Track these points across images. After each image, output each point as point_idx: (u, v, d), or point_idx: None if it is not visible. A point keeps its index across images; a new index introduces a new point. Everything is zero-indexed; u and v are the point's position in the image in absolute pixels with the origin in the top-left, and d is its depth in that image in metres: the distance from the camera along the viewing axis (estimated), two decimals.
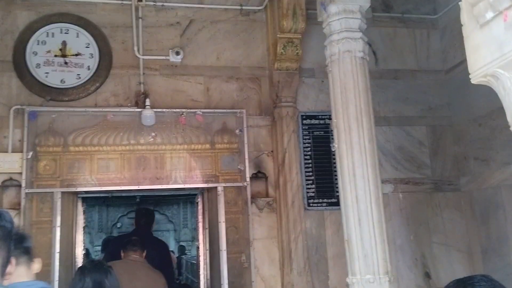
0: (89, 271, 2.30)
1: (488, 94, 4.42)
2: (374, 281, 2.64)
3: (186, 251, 11.88)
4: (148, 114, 4.18)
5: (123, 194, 11.35)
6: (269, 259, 4.26)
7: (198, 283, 5.02)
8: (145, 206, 12.68)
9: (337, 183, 4.44)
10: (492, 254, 4.23)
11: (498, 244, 4.16)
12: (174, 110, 4.30)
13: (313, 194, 4.43)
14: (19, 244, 1.67)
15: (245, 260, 4.16)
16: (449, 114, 4.85)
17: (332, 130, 4.63)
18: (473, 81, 1.67)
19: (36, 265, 1.74)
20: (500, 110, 4.21)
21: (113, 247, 4.40)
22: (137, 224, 4.81)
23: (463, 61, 4.78)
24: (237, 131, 4.42)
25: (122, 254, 3.83)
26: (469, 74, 1.68)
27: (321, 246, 4.35)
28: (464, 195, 4.65)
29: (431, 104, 4.89)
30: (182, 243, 12.59)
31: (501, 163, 4.14)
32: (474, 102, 4.51)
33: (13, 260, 1.07)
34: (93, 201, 11.50)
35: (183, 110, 4.31)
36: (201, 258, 4.71)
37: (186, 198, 12.19)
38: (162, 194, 10.82)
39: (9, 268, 1.04)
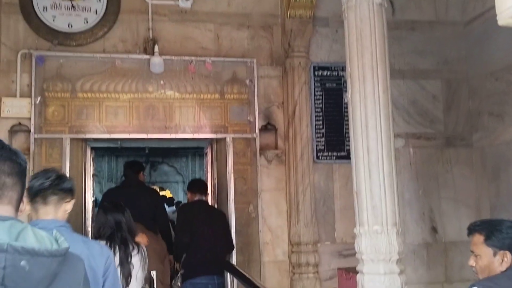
0: (110, 210, 2.55)
1: (507, 48, 4.30)
2: (382, 232, 2.63)
3: None
4: (156, 61, 4.09)
5: (132, 145, 11.43)
6: (277, 210, 4.29)
7: None
8: (154, 158, 12.80)
9: (347, 137, 4.39)
10: (501, 210, 4.21)
11: (507, 200, 4.13)
12: (183, 57, 4.21)
13: (322, 147, 4.39)
14: (54, 185, 1.72)
15: (252, 210, 4.19)
16: (465, 68, 4.70)
17: (345, 81, 4.54)
18: (500, 23, 1.57)
19: (68, 206, 1.77)
20: None
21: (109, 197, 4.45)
22: (125, 175, 4.72)
23: (483, 13, 4.61)
24: (247, 81, 4.33)
25: None
26: (488, 26, 1.57)
27: (328, 199, 4.36)
28: (476, 151, 4.58)
29: (448, 57, 4.73)
30: None
31: None
32: (492, 56, 4.36)
33: (25, 199, 1.10)
34: (103, 152, 11.59)
35: (193, 57, 4.22)
36: None
37: (194, 150, 12.23)
38: (171, 146, 10.86)
39: (21, 206, 1.07)
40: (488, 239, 1.69)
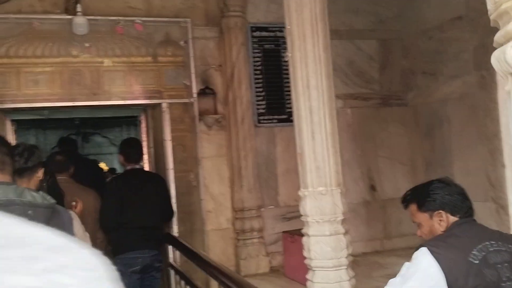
0: None
1: (439, 6, 4.37)
2: (326, 193, 2.60)
3: None
4: (80, 22, 3.72)
5: (61, 116, 10.72)
6: (219, 177, 4.18)
7: None
8: (85, 129, 12.13)
9: (288, 99, 4.32)
10: (435, 166, 4.38)
11: (441, 156, 4.29)
12: (110, 17, 3.86)
13: (263, 111, 4.29)
14: (26, 161, 1.98)
15: (193, 178, 4.04)
16: (398, 27, 4.74)
17: (284, 42, 4.40)
18: None
19: (39, 173, 2.00)
20: (451, 21, 4.12)
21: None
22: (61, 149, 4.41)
23: None
24: (181, 42, 4.08)
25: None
26: None
27: (271, 163, 4.31)
28: (409, 110, 4.70)
29: (382, 16, 4.74)
30: None
31: (449, 76, 4.16)
32: (425, 15, 4.41)
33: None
34: (28, 124, 10.79)
35: (120, 18, 3.88)
36: None
37: (128, 120, 11.71)
38: (102, 115, 10.31)
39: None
40: (421, 206, 1.69)
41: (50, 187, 2.51)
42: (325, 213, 2.61)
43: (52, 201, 1.50)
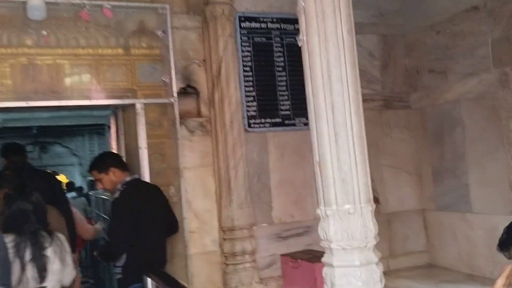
0: (14, 199, 2.27)
1: None
2: (355, 212, 2.05)
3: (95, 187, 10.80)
4: (35, 4, 3.05)
5: (17, 124, 9.78)
6: (203, 191, 3.55)
7: None
8: (44, 138, 11.18)
9: (281, 100, 3.78)
10: (446, 175, 3.91)
11: (453, 164, 3.83)
12: (73, 0, 3.20)
13: (254, 113, 3.71)
14: None
15: (174, 193, 3.40)
16: (402, 21, 4.29)
17: (276, 35, 3.88)
18: None
19: None
20: (465, 13, 3.58)
21: None
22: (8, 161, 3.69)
23: None
24: (159, 32, 3.47)
25: None
26: None
27: (263, 174, 3.72)
28: (415, 113, 4.23)
29: (382, 9, 4.28)
30: (90, 178, 11.45)
31: (462, 74, 3.71)
32: (432, 7, 3.97)
33: None
34: None
35: (85, 1, 3.23)
36: None
37: (92, 128, 10.89)
38: (64, 124, 9.48)
39: None
40: None
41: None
42: (354, 238, 2.05)
43: None
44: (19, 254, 2.14)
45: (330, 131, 2.10)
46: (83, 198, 8.99)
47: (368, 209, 2.10)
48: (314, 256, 3.05)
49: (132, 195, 2.80)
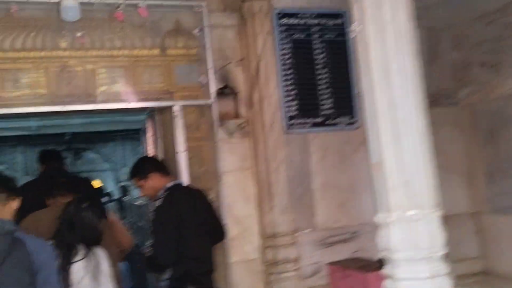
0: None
1: None
2: (421, 218, 1.84)
3: (127, 192, 10.82)
4: (69, 5, 2.97)
5: (50, 132, 9.90)
6: (244, 196, 3.40)
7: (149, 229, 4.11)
8: (77, 145, 11.30)
9: (322, 99, 3.60)
10: (500, 177, 3.64)
11: (508, 164, 3.55)
12: (107, 0, 3.11)
13: (294, 113, 3.53)
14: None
15: (214, 198, 3.26)
16: (448, 13, 4.03)
17: (314, 32, 3.71)
18: None
19: (14, 204, 1.88)
20: None
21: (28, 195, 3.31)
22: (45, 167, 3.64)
23: None
24: (195, 31, 3.34)
25: (48, 202, 2.84)
26: None
27: (305, 177, 3.54)
28: (464, 110, 3.97)
29: (427, 1, 4.02)
30: (123, 184, 11.49)
31: None
32: None
33: None
34: (14, 140, 9.98)
35: (120, 1, 3.13)
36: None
37: (124, 134, 10.93)
38: (96, 130, 9.53)
39: None
40: None
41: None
42: (419, 247, 1.85)
43: (9, 229, 1.38)
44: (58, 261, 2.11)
45: (389, 128, 1.90)
46: (113, 204, 9.00)
47: (435, 214, 1.90)
48: (365, 265, 2.85)
49: (175, 202, 2.65)
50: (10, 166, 10.84)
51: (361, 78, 2.02)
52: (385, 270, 1.93)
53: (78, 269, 2.17)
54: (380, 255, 1.99)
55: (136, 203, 7.63)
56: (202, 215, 2.73)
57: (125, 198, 9.56)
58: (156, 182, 2.73)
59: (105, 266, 2.26)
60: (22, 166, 11.18)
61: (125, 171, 11.89)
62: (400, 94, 1.90)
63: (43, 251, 1.76)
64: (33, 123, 8.46)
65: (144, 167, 2.80)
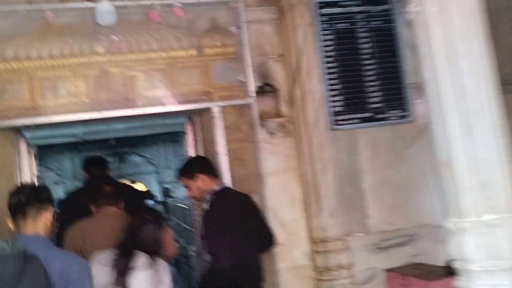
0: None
1: None
2: (501, 223, 1.61)
3: (170, 194, 10.89)
4: (105, 9, 2.90)
5: (95, 138, 10.08)
6: (289, 199, 3.22)
7: (194, 231, 4.02)
8: (121, 149, 11.48)
9: (370, 92, 3.35)
10: None
11: None
12: (142, 1, 3.01)
13: (340, 109, 3.31)
14: (31, 198, 1.76)
15: (258, 202, 3.09)
16: None
17: (358, 20, 3.47)
18: None
19: (48, 215, 1.77)
20: None
21: (73, 204, 3.28)
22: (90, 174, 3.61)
23: None
24: (233, 28, 3.18)
25: (93, 210, 2.78)
26: None
27: (354, 176, 3.31)
28: None
29: None
30: (166, 186, 11.60)
31: None
32: None
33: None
34: (62, 147, 10.24)
35: (155, 1, 3.02)
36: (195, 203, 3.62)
37: (166, 137, 10.99)
38: (139, 134, 9.60)
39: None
40: None
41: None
42: (500, 257, 1.60)
43: (22, 248, 1.25)
44: (117, 268, 2.15)
45: (460, 121, 1.67)
46: (160, 206, 9.06)
47: None
48: (428, 272, 2.60)
49: (223, 206, 2.52)
50: (58, 172, 11.15)
51: (422, 65, 1.79)
52: (458, 282, 1.71)
53: (140, 280, 2.15)
54: (447, 262, 1.77)
55: (179, 204, 7.60)
56: (251, 222, 2.58)
57: (169, 200, 9.61)
58: (202, 183, 2.63)
59: (167, 278, 2.23)
60: (69, 171, 11.48)
61: (168, 173, 12.00)
62: (470, 81, 1.67)
63: (75, 267, 1.68)
64: (79, 130, 8.61)
65: (191, 167, 2.71)
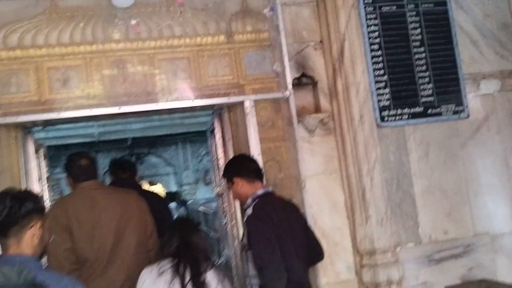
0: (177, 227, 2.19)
1: None
2: None
3: (182, 197, 10.58)
4: None
5: (112, 138, 9.84)
6: (330, 204, 2.84)
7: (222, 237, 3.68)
8: (138, 149, 11.22)
9: (421, 83, 2.97)
10: None
11: None
12: None
13: (387, 103, 2.92)
14: (12, 213, 1.49)
15: None
16: None
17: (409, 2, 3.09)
18: None
19: (34, 231, 1.50)
20: None
21: None
22: (116, 177, 3.34)
23: None
24: (266, 11, 2.81)
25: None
26: None
27: (403, 179, 2.91)
28: None
29: None
30: (185, 187, 11.30)
31: None
32: None
33: None
34: (77, 147, 9.99)
35: None
36: (224, 208, 3.26)
37: (185, 137, 10.69)
38: (156, 134, 9.32)
39: None
40: None
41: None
42: None
43: (30, 276, 1.09)
44: (179, 274, 2.02)
45: None
46: (183, 208, 8.79)
47: None
48: None
49: (268, 214, 2.15)
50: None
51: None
52: None
53: (209, 277, 2.06)
54: None
55: (200, 209, 7.29)
56: (297, 232, 2.21)
57: (189, 202, 9.32)
58: (240, 188, 2.30)
59: (226, 278, 2.13)
60: None
61: (186, 175, 11.69)
62: None
63: None
64: (95, 129, 8.37)
65: (228, 170, 2.36)
